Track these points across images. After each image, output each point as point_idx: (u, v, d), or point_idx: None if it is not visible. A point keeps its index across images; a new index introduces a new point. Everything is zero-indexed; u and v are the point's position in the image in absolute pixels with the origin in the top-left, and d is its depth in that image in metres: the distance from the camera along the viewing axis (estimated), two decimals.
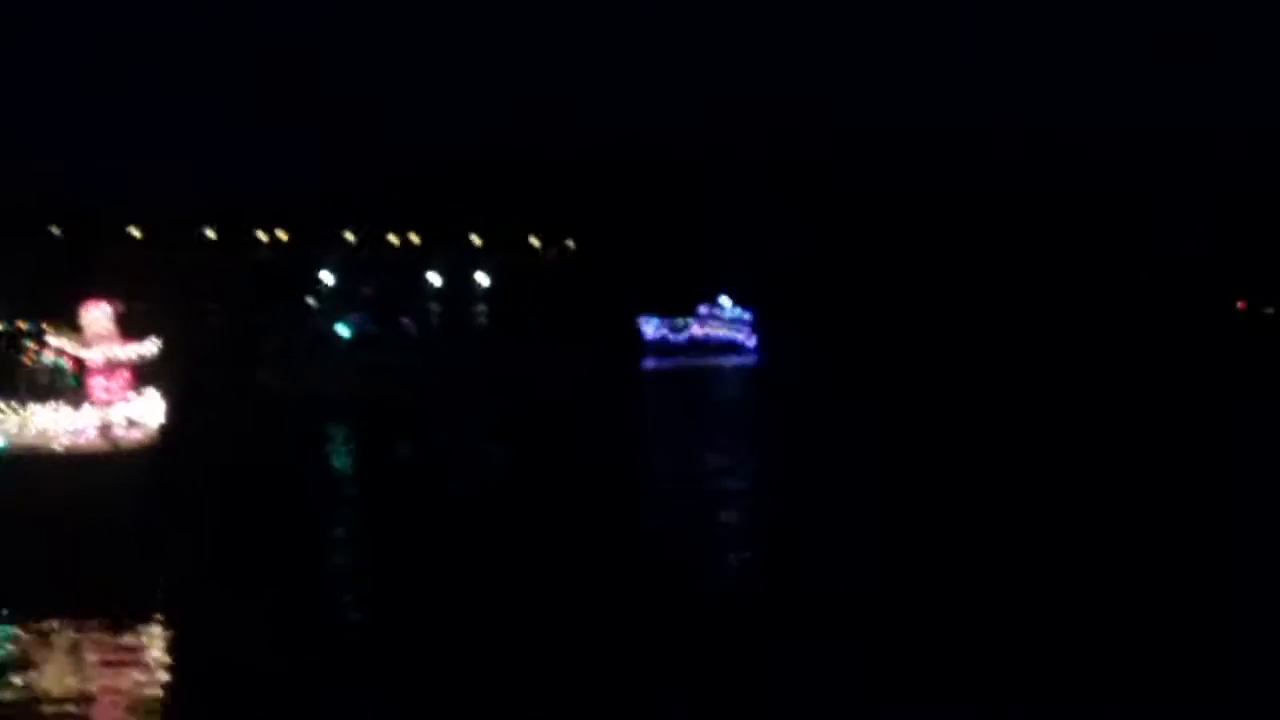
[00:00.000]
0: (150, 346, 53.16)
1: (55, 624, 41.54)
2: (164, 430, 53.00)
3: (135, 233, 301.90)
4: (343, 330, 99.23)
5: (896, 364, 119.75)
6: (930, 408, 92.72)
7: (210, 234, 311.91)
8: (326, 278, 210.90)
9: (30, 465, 50.51)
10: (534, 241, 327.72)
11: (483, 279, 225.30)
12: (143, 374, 53.14)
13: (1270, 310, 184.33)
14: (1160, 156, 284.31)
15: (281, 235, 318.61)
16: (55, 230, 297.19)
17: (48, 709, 35.56)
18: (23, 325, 54.79)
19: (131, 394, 52.73)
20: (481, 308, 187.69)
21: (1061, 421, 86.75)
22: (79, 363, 52.89)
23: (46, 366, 53.16)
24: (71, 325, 53.08)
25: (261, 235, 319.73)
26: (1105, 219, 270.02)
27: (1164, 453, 75.85)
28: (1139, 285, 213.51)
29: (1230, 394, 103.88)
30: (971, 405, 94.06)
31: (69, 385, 52.68)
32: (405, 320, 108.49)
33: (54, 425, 51.35)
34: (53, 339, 53.12)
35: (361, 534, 55.74)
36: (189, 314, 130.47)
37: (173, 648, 40.64)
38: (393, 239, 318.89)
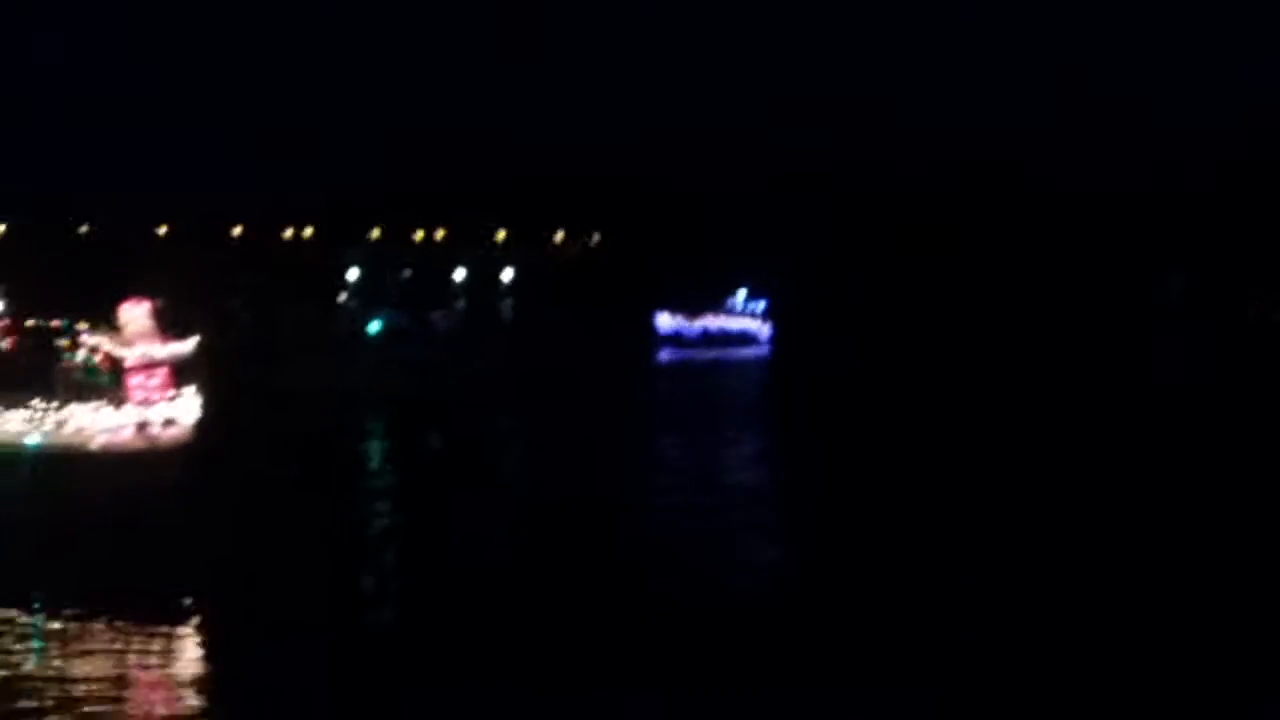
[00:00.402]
0: (189, 345, 53.12)
1: (88, 621, 41.47)
2: (201, 428, 52.95)
3: (162, 230, 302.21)
4: (374, 326, 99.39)
5: (912, 359, 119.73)
6: (942, 401, 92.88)
7: (237, 231, 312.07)
8: (353, 274, 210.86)
9: (66, 463, 50.49)
10: (559, 236, 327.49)
11: (507, 274, 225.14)
12: (181, 372, 53.08)
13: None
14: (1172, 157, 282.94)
15: (307, 232, 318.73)
16: (83, 228, 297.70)
17: (77, 705, 35.56)
18: (55, 323, 54.79)
19: (170, 393, 52.65)
20: (507, 302, 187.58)
21: (1069, 422, 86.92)
22: (112, 360, 52.83)
23: (78, 364, 53.08)
24: (108, 323, 53.03)
25: (288, 232, 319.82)
26: (1124, 221, 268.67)
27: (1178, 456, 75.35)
28: (1162, 290, 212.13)
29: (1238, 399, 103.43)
30: (982, 402, 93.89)
31: (102, 384, 52.60)
32: (436, 316, 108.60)
33: (91, 424, 51.30)
34: (90, 337, 53.09)
35: (396, 532, 55.70)
36: (219, 312, 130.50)
37: (206, 646, 40.64)
38: (418, 234, 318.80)
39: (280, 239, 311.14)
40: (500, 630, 41.55)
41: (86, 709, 35.32)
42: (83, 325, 53.86)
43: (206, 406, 53.20)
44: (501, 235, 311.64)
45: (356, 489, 62.59)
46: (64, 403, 51.40)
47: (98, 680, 37.33)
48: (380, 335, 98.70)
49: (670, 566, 50.12)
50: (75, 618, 41.69)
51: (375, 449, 75.63)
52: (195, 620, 42.44)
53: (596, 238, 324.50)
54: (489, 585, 46.78)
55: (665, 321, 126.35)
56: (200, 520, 51.13)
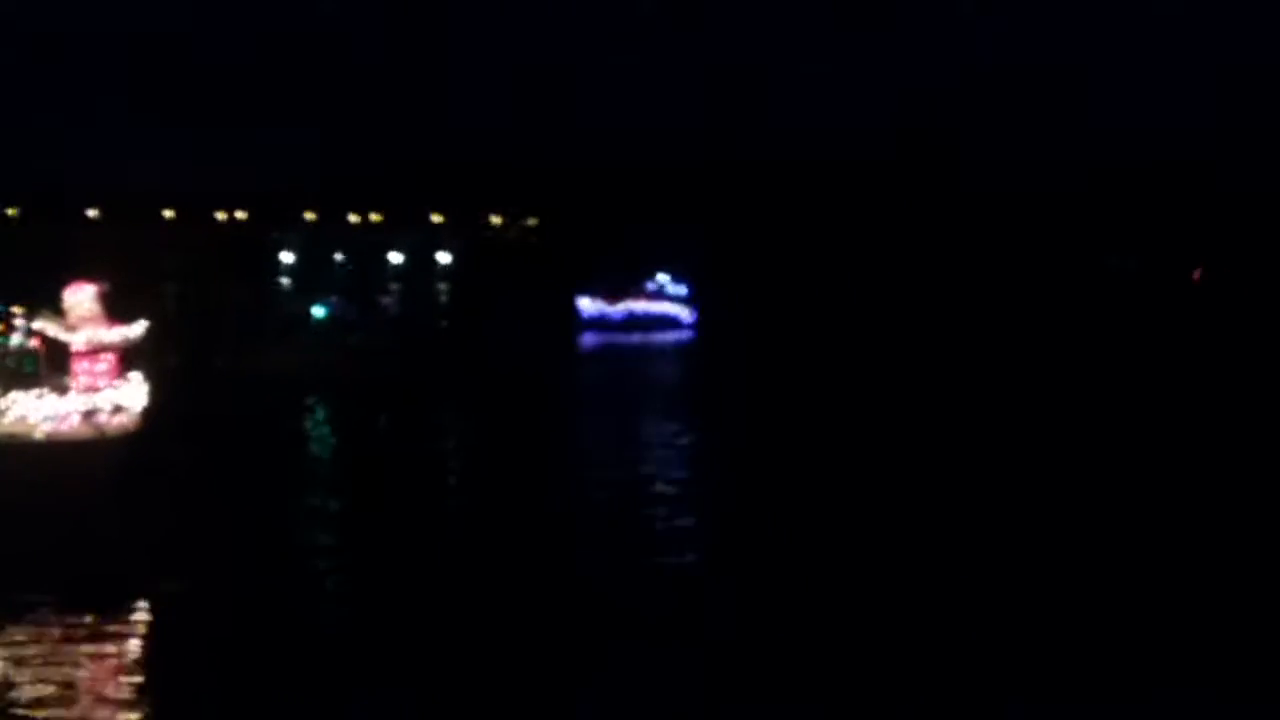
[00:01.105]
0: (137, 329, 51.21)
1: (39, 614, 39.68)
2: (148, 415, 51.14)
3: (92, 214, 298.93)
4: (316, 311, 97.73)
5: (831, 342, 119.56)
6: (857, 381, 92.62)
7: (169, 214, 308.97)
8: (288, 258, 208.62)
9: (10, 454, 48.57)
10: (495, 219, 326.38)
11: (444, 257, 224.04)
12: (127, 358, 51.24)
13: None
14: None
15: (240, 215, 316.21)
16: (10, 212, 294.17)
17: (29, 700, 34.04)
18: None
19: (117, 379, 50.74)
20: (443, 286, 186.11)
21: (979, 390, 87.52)
22: (49, 345, 50.92)
23: (11, 350, 51.07)
24: (51, 307, 51.10)
25: (220, 215, 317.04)
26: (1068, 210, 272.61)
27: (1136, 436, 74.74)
28: (1104, 269, 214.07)
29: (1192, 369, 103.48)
30: (902, 382, 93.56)
31: (35, 370, 50.66)
32: (385, 301, 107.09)
33: (34, 412, 49.37)
34: (29, 321, 51.09)
35: (345, 517, 54.12)
36: (154, 296, 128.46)
37: (157, 637, 39.12)
38: (353, 218, 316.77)
39: (213, 221, 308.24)
40: (446, 620, 40.65)
41: (31, 701, 33.86)
42: (17, 309, 51.90)
43: (153, 393, 51.38)
44: (437, 219, 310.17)
45: (302, 472, 60.95)
46: (8, 390, 49.47)
47: (38, 672, 35.79)
48: (325, 321, 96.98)
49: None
50: (19, 608, 39.89)
51: (324, 435, 73.84)
52: (142, 610, 40.81)
53: (533, 223, 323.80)
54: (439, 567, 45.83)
55: (588, 306, 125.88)
56: (151, 511, 49.40)
